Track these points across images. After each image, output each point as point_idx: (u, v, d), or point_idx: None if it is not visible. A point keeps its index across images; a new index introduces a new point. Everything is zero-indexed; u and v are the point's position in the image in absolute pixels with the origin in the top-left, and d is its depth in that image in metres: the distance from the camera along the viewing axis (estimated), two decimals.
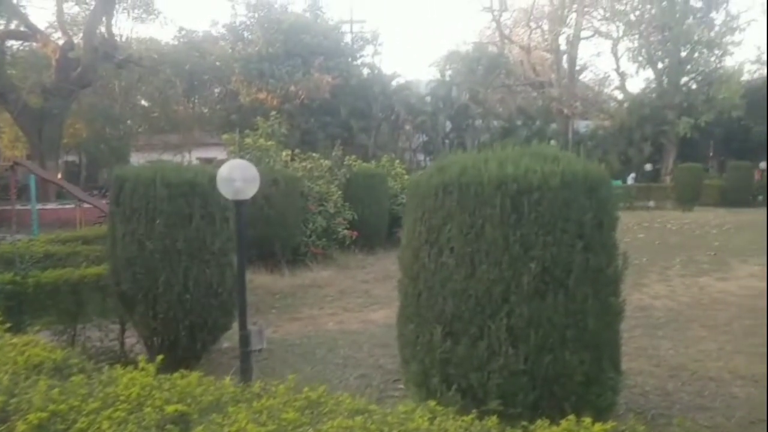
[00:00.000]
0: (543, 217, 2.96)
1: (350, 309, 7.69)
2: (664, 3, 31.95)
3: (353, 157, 14.55)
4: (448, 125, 34.49)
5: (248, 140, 11.18)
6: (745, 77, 36.25)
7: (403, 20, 74.63)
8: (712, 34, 31.55)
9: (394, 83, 32.67)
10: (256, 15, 28.97)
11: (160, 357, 2.49)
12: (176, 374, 2.27)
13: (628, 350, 4.13)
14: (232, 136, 11.54)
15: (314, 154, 13.10)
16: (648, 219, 19.25)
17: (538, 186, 2.97)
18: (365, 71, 31.52)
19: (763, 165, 27.27)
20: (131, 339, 5.44)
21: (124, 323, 5.39)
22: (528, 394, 2.89)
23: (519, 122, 35.13)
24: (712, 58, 32.57)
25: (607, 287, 3.12)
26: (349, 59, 30.30)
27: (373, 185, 13.32)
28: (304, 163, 12.38)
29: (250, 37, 29.10)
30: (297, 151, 13.07)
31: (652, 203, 24.96)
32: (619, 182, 28.56)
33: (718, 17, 32.17)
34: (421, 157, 34.94)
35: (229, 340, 5.56)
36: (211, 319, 5.11)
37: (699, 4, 32.32)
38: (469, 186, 3.08)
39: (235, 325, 4.63)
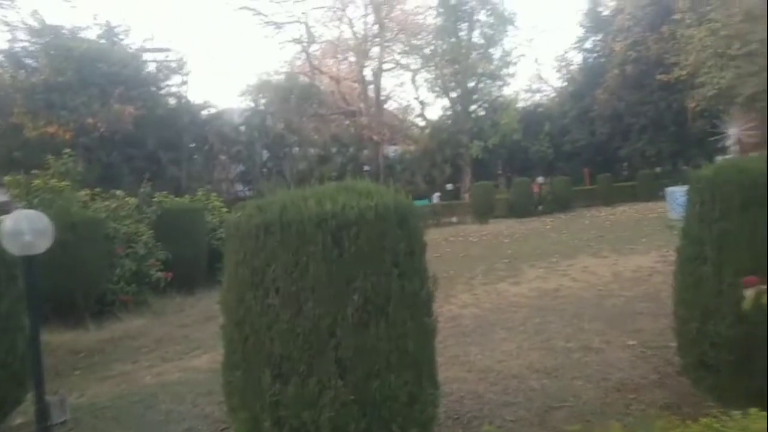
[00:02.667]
0: (362, 249, 3.13)
1: (169, 358, 7.18)
2: (453, 39, 35.83)
3: (164, 192, 13.69)
4: (265, 154, 34.28)
5: (37, 182, 9.88)
6: (521, 104, 42.21)
7: (210, 49, 72.49)
8: (492, 67, 36.11)
9: (204, 113, 31.57)
10: (41, 41, 25.85)
11: None
12: None
13: (443, 360, 4.47)
14: (16, 177, 10.09)
15: (118, 192, 12.05)
16: (453, 233, 21.15)
17: (356, 220, 3.14)
18: (172, 101, 29.97)
19: (540, 179, 31.77)
20: None
21: None
22: (359, 422, 3.01)
23: (334, 150, 36.27)
24: (494, 88, 37.27)
25: (422, 309, 3.40)
26: (154, 88, 28.55)
27: (188, 221, 12.67)
28: (107, 203, 11.31)
29: (34, 64, 25.84)
30: (98, 189, 11.90)
31: (455, 219, 27.45)
32: (426, 201, 30.97)
33: (496, 52, 37.01)
34: (239, 187, 34.12)
35: (25, 414, 4.84)
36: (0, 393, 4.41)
37: (481, 41, 36.83)
38: (291, 224, 3.15)
39: (31, 397, 4.06)
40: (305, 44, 38.88)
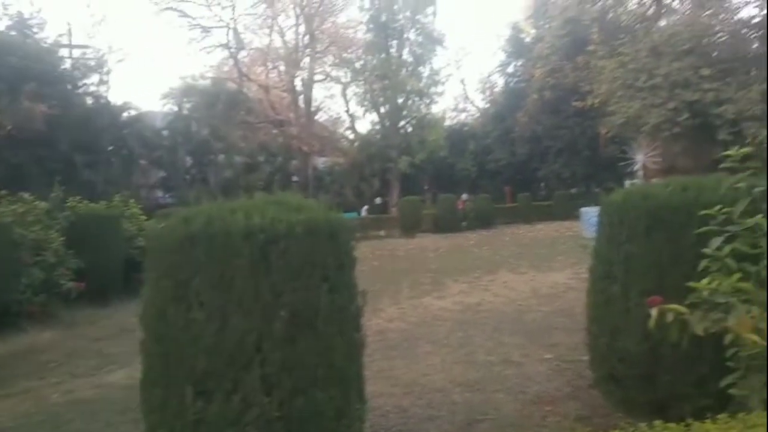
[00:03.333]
0: (291, 264, 3.12)
1: (80, 374, 6.75)
2: (383, 55, 36.40)
3: (78, 197, 12.91)
4: (189, 160, 33.16)
5: None
6: (447, 123, 43.50)
7: (132, 49, 69.54)
8: (421, 85, 36.98)
9: (125, 115, 30.13)
10: None
11: None
12: None
13: (369, 374, 4.48)
14: None
15: (26, 195, 11.24)
16: (380, 247, 21.33)
17: (285, 235, 3.12)
18: (89, 101, 28.39)
19: (464, 196, 32.74)
20: None
21: None
22: None
23: (261, 158, 35.68)
24: (422, 106, 38.14)
25: (350, 324, 3.42)
26: (69, 87, 26.94)
27: (103, 228, 12.01)
28: (13, 207, 10.52)
29: None
30: (4, 192, 11.05)
31: (383, 232, 27.70)
32: (354, 214, 31.08)
33: (424, 71, 37.93)
34: (160, 194, 32.75)
35: None
36: None
37: (410, 59, 37.64)
38: (217, 237, 3.08)
39: None
40: (233, 50, 38.19)
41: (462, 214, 29.59)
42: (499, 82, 44.93)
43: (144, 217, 14.10)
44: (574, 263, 12.71)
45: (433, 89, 38.08)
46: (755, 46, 24.91)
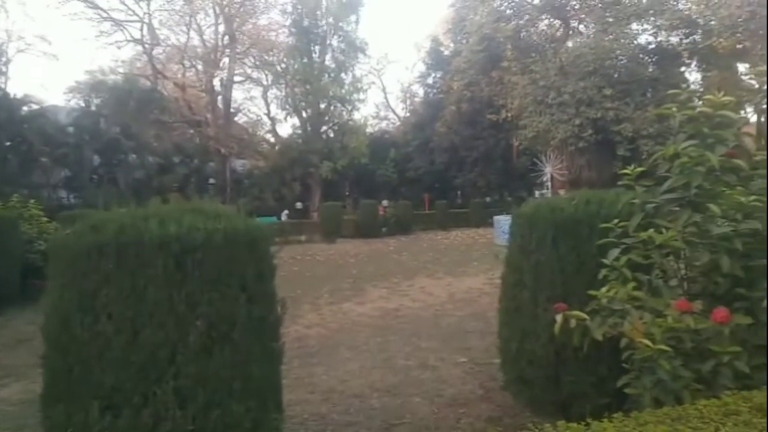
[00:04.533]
0: (208, 274, 3.05)
1: None
2: (305, 60, 36.14)
3: None
4: (96, 159, 31.22)
5: None
6: (369, 130, 43.85)
7: (37, 39, 64.53)
8: (343, 91, 37.05)
9: (25, 109, 27.95)
10: None
11: None
12: None
13: (287, 382, 4.45)
14: None
15: None
16: (301, 252, 21.10)
17: (202, 244, 3.05)
18: None
19: (384, 202, 33.14)
20: None
21: None
22: None
23: (176, 159, 34.27)
24: (344, 112, 38.21)
25: (269, 334, 3.39)
26: None
27: None
28: None
29: None
30: None
31: (303, 237, 27.41)
32: (274, 219, 30.57)
33: (347, 78, 38.03)
34: (63, 194, 30.58)
35: None
36: None
37: (333, 65, 37.63)
38: (129, 246, 2.96)
39: None
40: (148, 46, 36.51)
41: (382, 220, 29.92)
42: (420, 92, 46.01)
43: (46, 219, 13.14)
44: (487, 269, 13.22)
45: (355, 96, 38.27)
46: (650, 69, 27.13)
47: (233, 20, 36.15)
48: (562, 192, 26.94)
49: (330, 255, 20.41)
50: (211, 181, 36.05)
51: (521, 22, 30.49)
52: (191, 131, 38.06)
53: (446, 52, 40.63)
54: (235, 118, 39.84)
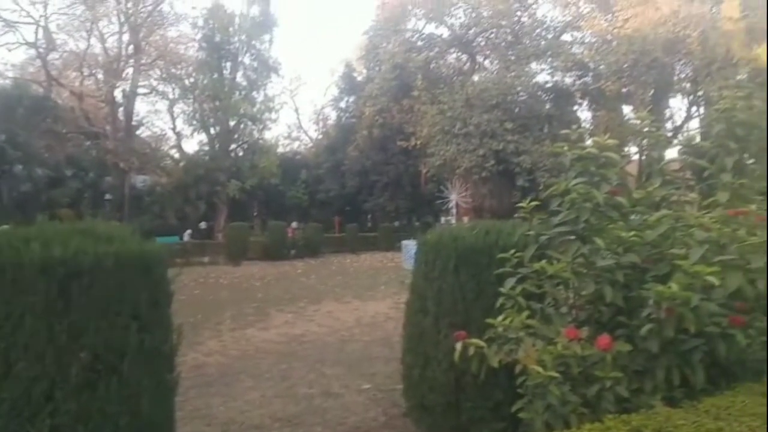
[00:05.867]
0: (96, 301, 2.85)
1: None
2: (215, 76, 35.24)
3: None
4: None
5: None
6: (280, 149, 43.37)
7: None
8: (255, 110, 36.43)
9: None
10: None
11: None
12: None
13: (182, 414, 4.24)
14: None
15: None
16: (203, 274, 20.28)
17: (90, 268, 2.85)
18: None
19: (294, 224, 32.73)
20: None
21: None
22: None
23: (69, 173, 31.89)
24: (255, 131, 37.51)
25: (162, 365, 3.20)
26: None
27: None
28: None
29: None
30: None
31: (206, 259, 26.39)
32: (176, 238, 29.23)
33: (258, 96, 37.47)
34: None
35: None
36: None
37: (244, 83, 36.96)
38: (5, 269, 2.71)
39: None
40: (42, 50, 34.00)
41: (291, 242, 29.48)
42: (332, 115, 46.23)
43: None
44: (395, 293, 13.36)
45: (266, 115, 37.71)
46: (548, 107, 29.13)
47: (139, 30, 34.58)
48: (466, 219, 28.00)
49: (235, 278, 19.76)
50: (108, 197, 33.88)
51: (431, 54, 31.71)
52: (88, 143, 35.67)
53: (359, 78, 41.26)
54: (137, 132, 37.85)
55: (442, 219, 31.81)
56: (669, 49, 27.67)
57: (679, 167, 4.39)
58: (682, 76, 32.20)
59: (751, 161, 4.93)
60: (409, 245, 19.65)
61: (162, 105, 39.01)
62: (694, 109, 34.91)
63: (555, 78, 31.52)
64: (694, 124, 34.88)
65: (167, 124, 39.52)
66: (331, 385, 6.55)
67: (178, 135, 38.71)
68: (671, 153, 5.32)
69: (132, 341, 2.95)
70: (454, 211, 29.60)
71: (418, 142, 30.39)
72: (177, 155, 38.99)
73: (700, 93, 31.92)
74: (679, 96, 34.55)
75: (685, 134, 34.14)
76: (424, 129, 29.46)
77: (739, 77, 29.82)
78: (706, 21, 29.50)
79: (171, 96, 37.77)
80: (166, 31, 36.79)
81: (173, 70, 36.30)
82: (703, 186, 5.02)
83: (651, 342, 3.09)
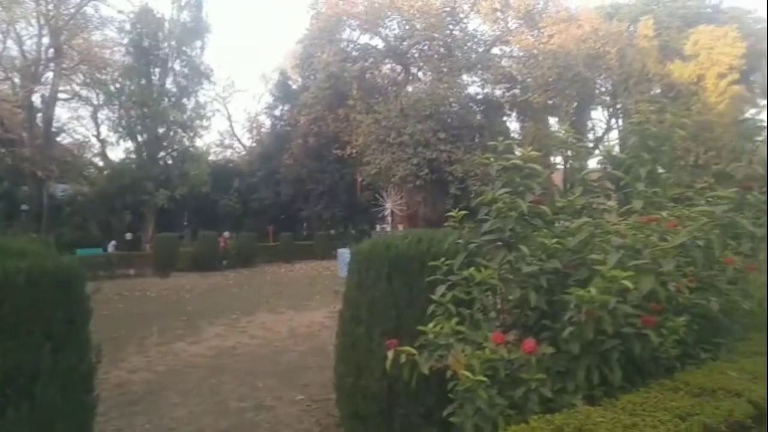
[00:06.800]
0: (5, 320, 2.66)
1: None
2: (143, 82, 33.94)
3: None
4: None
5: None
6: (212, 158, 42.26)
7: None
8: (185, 117, 35.33)
9: None
10: None
11: None
12: None
13: None
14: None
15: None
16: (129, 287, 19.40)
17: (0, 285, 2.67)
18: None
19: (226, 234, 31.89)
20: None
21: None
22: None
23: None
24: (185, 138, 36.34)
25: (79, 385, 3.03)
26: None
27: None
28: None
29: None
30: None
31: (132, 271, 25.27)
32: (100, 250, 27.83)
33: (189, 103, 36.35)
34: None
35: None
36: None
37: (174, 89, 35.78)
38: None
39: None
40: None
41: (223, 252, 28.71)
42: (267, 123, 45.57)
43: None
44: (329, 302, 13.29)
45: (198, 122, 36.62)
46: (478, 117, 30.02)
47: (61, 33, 32.77)
48: (401, 227, 28.32)
49: (163, 290, 19.01)
50: (24, 207, 31.77)
51: (366, 64, 31.95)
52: (2, 150, 33.35)
53: (294, 86, 40.94)
54: (58, 138, 35.75)
55: (378, 227, 32.00)
56: (590, 64, 29.26)
57: (598, 177, 4.62)
58: (603, 89, 34.17)
59: (662, 171, 5.29)
60: (345, 253, 19.62)
61: (85, 111, 36.97)
62: (613, 120, 37.10)
63: (485, 90, 32.58)
64: (614, 134, 37.10)
65: (91, 130, 37.37)
66: (264, 397, 6.42)
67: (103, 142, 36.89)
68: (594, 163, 5.62)
69: (45, 362, 2.78)
70: (389, 219, 29.86)
71: (354, 151, 30.49)
72: (101, 163, 37.13)
73: (618, 106, 34.00)
74: (600, 108, 36.65)
75: (606, 144, 36.18)
76: (359, 138, 29.60)
77: (653, 92, 32.00)
78: (623, 38, 31.47)
79: (95, 102, 36.01)
80: (90, 35, 35.03)
81: (98, 75, 34.59)
82: (620, 194, 5.34)
83: (572, 344, 3.24)
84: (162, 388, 7.04)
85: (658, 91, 32.17)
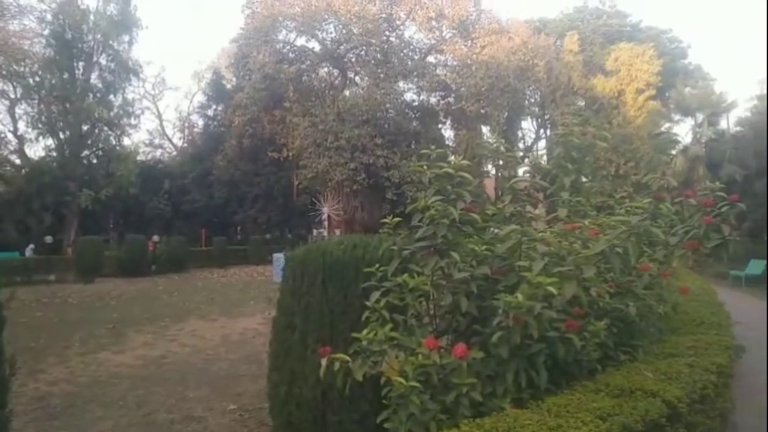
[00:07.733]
0: None
1: None
2: (65, 75, 32.17)
3: None
4: None
5: None
6: (141, 158, 40.58)
7: None
8: (112, 114, 33.73)
9: None
10: None
11: None
12: None
13: None
14: None
15: None
16: (48, 294, 18.30)
17: None
18: None
19: (155, 237, 30.66)
20: None
21: None
22: None
23: None
24: (112, 137, 34.69)
25: None
26: None
27: None
28: None
29: None
30: None
31: (53, 277, 23.81)
32: (16, 254, 26.15)
33: (116, 100, 34.73)
34: None
35: None
36: None
37: (100, 85, 34.09)
38: None
39: None
40: None
41: (152, 257, 27.60)
42: (199, 123, 44.27)
43: None
44: (264, 308, 13.06)
45: (125, 120, 35.06)
46: (414, 124, 30.46)
47: None
48: (338, 231, 28.28)
49: (86, 297, 18.04)
50: None
51: (303, 66, 31.69)
52: None
53: (228, 86, 40.00)
54: None
55: (315, 231, 31.76)
56: (520, 75, 30.37)
57: (525, 186, 4.81)
58: (532, 100, 35.56)
59: (585, 180, 5.59)
60: (280, 258, 19.33)
61: (1, 105, 34.56)
62: (542, 131, 38.66)
63: (421, 97, 33.09)
64: (543, 144, 38.68)
65: (7, 126, 34.96)
66: (194, 408, 6.23)
67: (21, 139, 34.59)
68: (523, 172, 5.84)
69: None
70: (326, 223, 29.72)
71: (290, 154, 30.13)
72: (18, 161, 34.83)
73: (547, 116, 35.48)
74: (529, 118, 38.11)
75: (535, 154, 37.68)
76: (296, 141, 29.30)
77: (578, 104, 33.64)
78: (551, 52, 32.89)
79: (12, 95, 33.76)
80: (6, 24, 32.83)
81: (15, 67, 32.45)
82: (548, 202, 5.59)
83: (501, 348, 3.36)
84: (85, 401, 6.69)
85: (583, 103, 33.84)
